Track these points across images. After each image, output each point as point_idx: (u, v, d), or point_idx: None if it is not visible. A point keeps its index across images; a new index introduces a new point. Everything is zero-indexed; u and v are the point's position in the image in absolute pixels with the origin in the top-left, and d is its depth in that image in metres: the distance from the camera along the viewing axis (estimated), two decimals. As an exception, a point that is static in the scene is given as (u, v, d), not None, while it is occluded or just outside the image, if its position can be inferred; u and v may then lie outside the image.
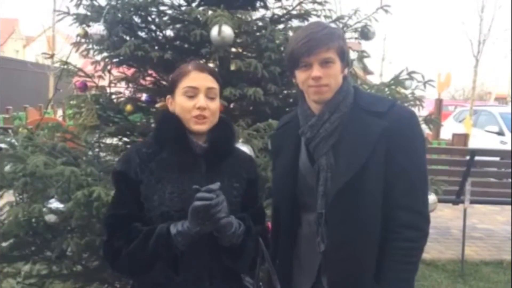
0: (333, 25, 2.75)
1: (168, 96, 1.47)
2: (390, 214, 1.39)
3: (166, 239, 1.32)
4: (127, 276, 1.41)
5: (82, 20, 2.70)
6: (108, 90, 2.84)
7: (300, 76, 1.43)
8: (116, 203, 1.45)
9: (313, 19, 2.92)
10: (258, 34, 2.59)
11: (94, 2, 2.68)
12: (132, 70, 2.92)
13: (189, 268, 1.37)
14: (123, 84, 2.96)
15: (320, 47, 1.37)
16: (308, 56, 1.38)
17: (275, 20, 2.90)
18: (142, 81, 2.95)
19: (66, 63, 2.82)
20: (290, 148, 1.53)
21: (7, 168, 2.26)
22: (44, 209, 2.12)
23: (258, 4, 2.91)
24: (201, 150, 1.42)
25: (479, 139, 9.47)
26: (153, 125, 2.70)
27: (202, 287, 1.40)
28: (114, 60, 2.75)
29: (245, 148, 1.98)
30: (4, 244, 2.38)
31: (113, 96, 2.87)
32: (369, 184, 1.37)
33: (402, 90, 2.74)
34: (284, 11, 2.95)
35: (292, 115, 1.62)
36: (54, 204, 2.09)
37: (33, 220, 2.30)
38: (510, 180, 4.74)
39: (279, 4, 2.96)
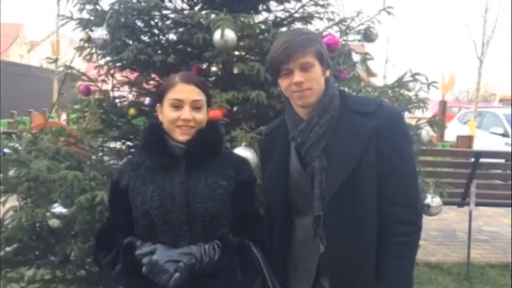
0: (335, 28, 2.75)
1: (158, 105, 1.54)
2: (384, 211, 1.42)
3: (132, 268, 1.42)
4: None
5: (85, 24, 2.71)
6: (111, 94, 2.84)
7: (283, 83, 1.47)
8: (108, 215, 1.64)
9: (315, 21, 2.92)
10: (261, 37, 2.58)
11: (97, 7, 2.69)
12: (135, 74, 2.92)
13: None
14: (126, 88, 2.96)
15: (297, 53, 1.41)
16: (287, 63, 1.42)
17: (278, 23, 2.89)
18: (145, 85, 2.95)
19: (69, 67, 2.83)
20: (280, 153, 1.56)
21: (11, 172, 2.27)
22: (48, 214, 2.12)
23: (260, 7, 2.91)
24: (180, 151, 1.48)
25: (484, 141, 9.43)
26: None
27: None
28: (117, 64, 2.75)
29: (248, 152, 1.97)
30: (8, 248, 2.38)
31: (117, 100, 2.87)
32: (364, 183, 1.40)
33: (406, 92, 2.73)
34: (287, 14, 2.95)
35: (279, 121, 1.65)
36: (58, 208, 2.09)
37: (37, 224, 2.31)
38: (516, 182, 4.70)
39: (282, 7, 2.96)
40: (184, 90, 1.46)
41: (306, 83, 1.42)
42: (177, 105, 1.45)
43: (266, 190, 1.64)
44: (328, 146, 1.45)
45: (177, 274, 1.33)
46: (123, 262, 1.41)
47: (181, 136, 1.46)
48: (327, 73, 1.49)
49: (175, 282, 1.33)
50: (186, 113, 1.44)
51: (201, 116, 1.48)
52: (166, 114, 1.48)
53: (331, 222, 1.43)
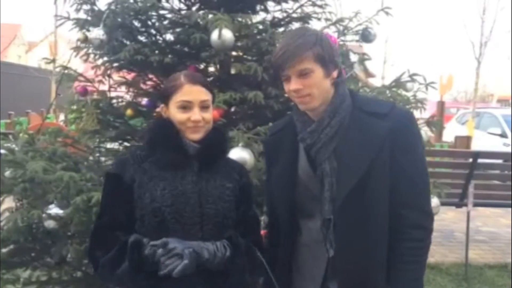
0: (332, 28, 2.74)
1: (162, 105, 1.51)
2: (395, 214, 1.39)
3: (137, 260, 1.35)
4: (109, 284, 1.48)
5: (82, 25, 2.69)
6: (108, 94, 2.83)
7: (285, 87, 1.44)
8: (101, 211, 1.52)
9: (313, 22, 2.91)
10: (258, 37, 2.57)
11: (94, 7, 2.67)
12: (132, 74, 2.91)
13: (174, 284, 1.35)
14: (123, 88, 2.95)
15: (293, 60, 1.36)
16: (283, 70, 1.39)
17: (275, 23, 2.88)
18: (142, 86, 2.94)
19: (66, 68, 2.81)
20: (287, 155, 1.52)
21: (7, 173, 2.26)
22: (44, 215, 2.10)
23: (258, 8, 2.90)
24: (194, 150, 1.46)
25: (482, 141, 9.44)
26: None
27: None
28: (114, 64, 2.74)
29: (245, 153, 1.96)
30: (3, 250, 2.37)
31: (114, 101, 2.86)
32: (376, 185, 1.37)
33: (404, 93, 2.72)
34: (285, 14, 2.94)
35: (285, 121, 1.61)
36: (54, 210, 2.08)
37: (33, 226, 2.29)
38: (514, 182, 4.70)
39: (279, 7, 2.95)
40: (192, 91, 1.44)
41: (304, 90, 1.38)
42: (186, 106, 1.43)
43: (271, 192, 1.60)
44: (338, 147, 1.41)
45: (186, 261, 1.30)
46: (130, 260, 1.35)
47: (192, 134, 1.44)
48: (334, 73, 1.42)
49: (183, 267, 1.30)
50: (196, 114, 1.42)
51: (209, 115, 1.47)
52: (174, 115, 1.45)
53: (342, 225, 1.40)
